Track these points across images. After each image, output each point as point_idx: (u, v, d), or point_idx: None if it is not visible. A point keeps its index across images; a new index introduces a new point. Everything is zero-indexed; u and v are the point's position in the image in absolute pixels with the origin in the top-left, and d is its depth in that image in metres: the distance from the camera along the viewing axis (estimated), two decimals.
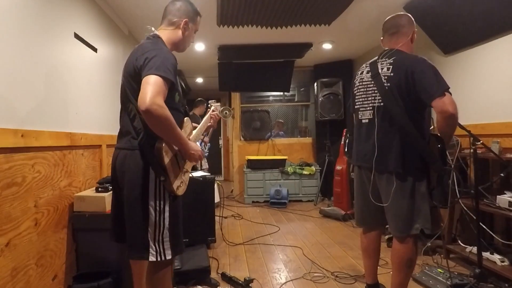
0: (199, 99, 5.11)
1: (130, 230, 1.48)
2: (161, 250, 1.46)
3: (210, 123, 1.90)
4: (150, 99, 1.24)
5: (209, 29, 3.69)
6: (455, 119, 1.61)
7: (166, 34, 1.58)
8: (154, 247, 1.44)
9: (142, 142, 1.43)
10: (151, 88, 1.27)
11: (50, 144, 1.90)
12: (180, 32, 1.59)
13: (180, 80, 6.06)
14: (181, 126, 1.55)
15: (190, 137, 1.62)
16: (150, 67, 1.32)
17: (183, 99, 1.63)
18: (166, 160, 1.41)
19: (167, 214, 1.47)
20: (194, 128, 1.73)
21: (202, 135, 1.86)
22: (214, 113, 1.90)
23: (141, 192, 1.43)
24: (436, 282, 2.19)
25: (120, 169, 1.50)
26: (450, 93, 1.61)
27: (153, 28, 1.59)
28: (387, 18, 1.92)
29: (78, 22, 2.36)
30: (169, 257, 1.47)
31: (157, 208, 1.44)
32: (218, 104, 2.04)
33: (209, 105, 2.03)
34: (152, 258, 1.44)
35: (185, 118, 1.60)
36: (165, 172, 1.41)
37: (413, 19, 1.88)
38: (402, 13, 1.91)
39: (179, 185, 1.50)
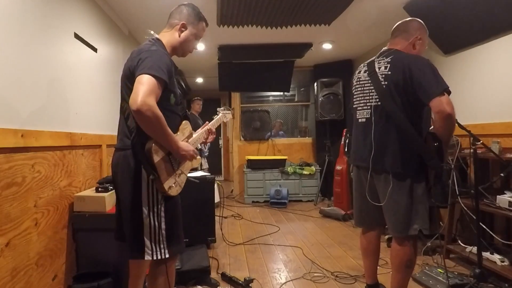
0: (195, 98, 5.11)
1: (126, 230, 1.50)
2: (158, 250, 1.47)
3: (204, 139, 1.76)
4: (141, 99, 1.25)
5: (209, 29, 3.63)
6: (452, 119, 1.59)
7: (166, 36, 1.58)
8: (150, 246, 1.45)
9: (134, 141, 1.43)
10: (143, 88, 1.27)
11: (50, 144, 1.90)
12: (176, 34, 1.58)
13: (181, 80, 6.06)
14: (177, 129, 1.54)
15: (189, 140, 1.61)
16: (143, 67, 1.33)
17: (181, 101, 1.61)
18: (157, 159, 1.40)
19: (162, 214, 1.47)
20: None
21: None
22: (210, 128, 1.77)
23: (133, 193, 1.44)
24: (436, 282, 2.19)
25: (114, 170, 1.53)
26: (449, 93, 1.59)
27: (152, 32, 1.60)
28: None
29: (78, 22, 2.36)
30: (166, 256, 1.48)
31: (151, 209, 1.44)
32: (229, 112, 1.89)
33: (217, 112, 1.90)
34: (147, 257, 1.45)
35: (184, 121, 1.59)
36: (155, 171, 1.40)
37: (425, 28, 1.84)
38: (413, 19, 1.87)
39: (172, 186, 1.48)
